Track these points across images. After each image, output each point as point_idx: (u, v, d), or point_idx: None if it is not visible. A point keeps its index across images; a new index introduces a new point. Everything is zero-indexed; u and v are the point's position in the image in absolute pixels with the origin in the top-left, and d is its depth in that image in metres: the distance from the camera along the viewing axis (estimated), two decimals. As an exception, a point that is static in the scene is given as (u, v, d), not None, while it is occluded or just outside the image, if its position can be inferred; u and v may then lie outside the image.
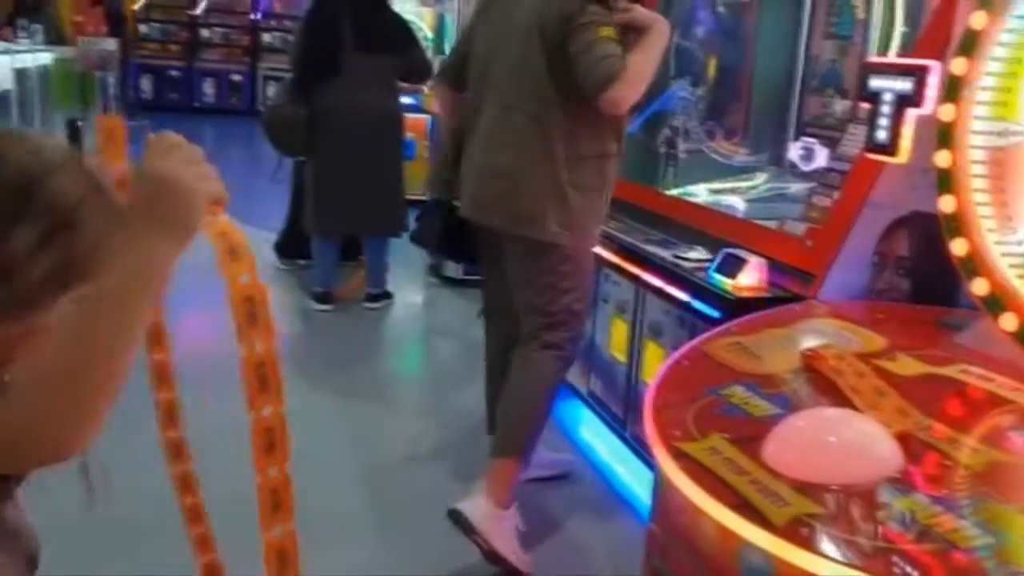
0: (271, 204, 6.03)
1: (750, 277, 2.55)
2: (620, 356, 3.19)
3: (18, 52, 7.90)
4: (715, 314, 2.56)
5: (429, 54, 5.88)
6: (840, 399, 1.66)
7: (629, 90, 2.48)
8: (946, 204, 2.02)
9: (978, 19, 1.97)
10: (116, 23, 11.91)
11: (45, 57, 8.72)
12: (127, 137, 1.24)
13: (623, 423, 3.17)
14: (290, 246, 5.68)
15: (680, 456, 1.49)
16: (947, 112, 2.02)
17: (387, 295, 5.22)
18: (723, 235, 2.85)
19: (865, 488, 1.37)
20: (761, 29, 3.70)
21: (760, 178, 3.48)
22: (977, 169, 2.00)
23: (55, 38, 9.86)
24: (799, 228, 2.60)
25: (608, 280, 3.26)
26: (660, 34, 2.59)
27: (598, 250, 2.96)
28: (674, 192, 3.42)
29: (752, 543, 1.30)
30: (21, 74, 7.73)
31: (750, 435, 1.52)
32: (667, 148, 3.54)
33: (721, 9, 3.85)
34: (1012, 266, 1.92)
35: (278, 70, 13.42)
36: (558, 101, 2.58)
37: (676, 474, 1.46)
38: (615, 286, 3.22)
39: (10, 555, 1.01)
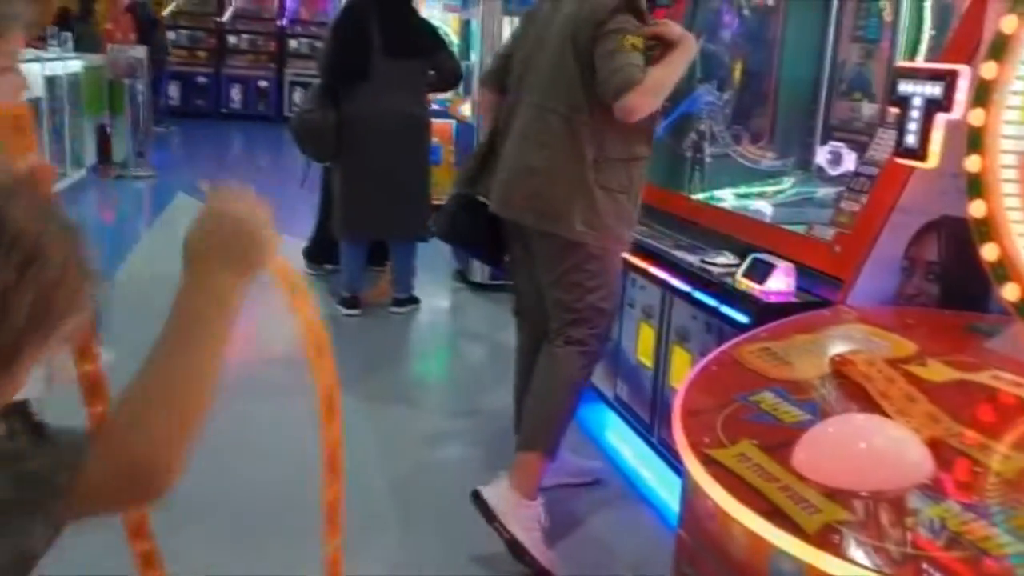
0: (300, 210, 6.07)
1: (778, 282, 2.54)
2: (647, 361, 3.19)
3: (48, 60, 7.98)
4: (743, 319, 2.55)
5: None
6: (870, 405, 1.66)
7: (644, 100, 2.54)
8: (976, 209, 2.01)
9: (1008, 23, 1.96)
10: (149, 30, 12.03)
11: (75, 65, 8.81)
12: (34, 127, 1.14)
13: (650, 428, 3.17)
14: (318, 251, 5.72)
15: (710, 463, 1.49)
16: (977, 117, 2.01)
17: (414, 300, 5.25)
18: (751, 240, 2.84)
19: (895, 495, 1.37)
20: (787, 32, 3.69)
21: (787, 182, 3.47)
22: (1008, 174, 1.99)
23: (92, 47, 9.96)
24: (827, 233, 2.59)
25: (635, 285, 3.26)
26: (686, 51, 2.67)
27: (625, 255, 2.96)
28: (701, 197, 3.42)
29: (783, 550, 1.30)
30: (51, 82, 7.81)
31: (780, 441, 1.52)
32: (693, 152, 3.53)
33: (747, 12, 3.84)
34: (1044, 271, 1.91)
35: (305, 76, 13.53)
36: (589, 104, 2.63)
37: (706, 480, 1.46)
38: (642, 291, 3.22)
39: None
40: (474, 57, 5.98)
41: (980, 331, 2.10)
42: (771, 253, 2.65)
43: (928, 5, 2.84)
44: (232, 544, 2.76)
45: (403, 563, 2.78)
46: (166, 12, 14.30)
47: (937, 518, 1.31)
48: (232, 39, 15.11)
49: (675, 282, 2.97)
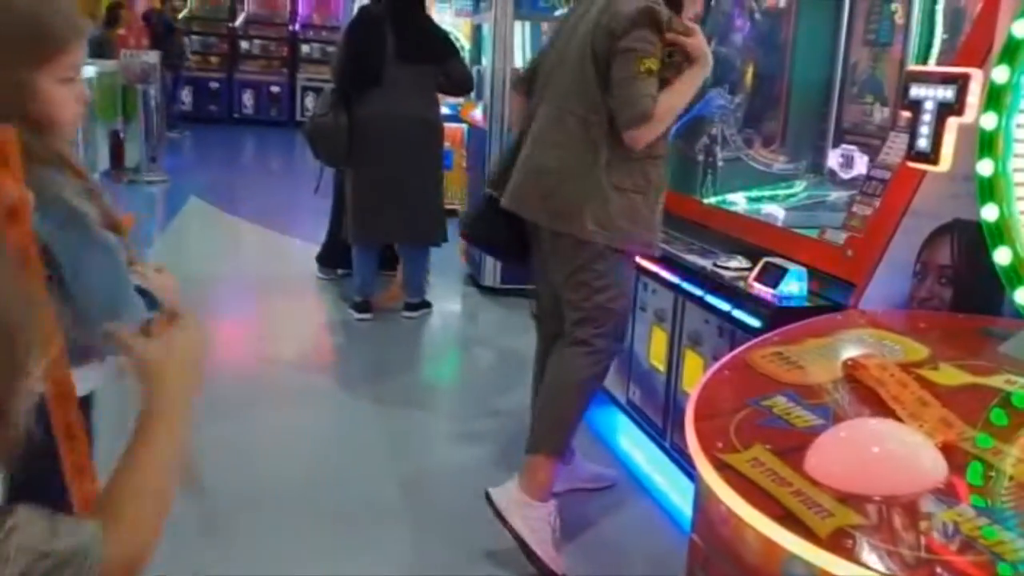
0: (313, 215, 6.10)
1: (791, 286, 2.55)
2: (659, 365, 3.19)
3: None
4: (756, 323, 2.55)
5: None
6: (883, 409, 1.66)
7: (652, 132, 2.63)
8: (989, 213, 2.00)
9: (1020, 26, 1.96)
10: (165, 36, 12.11)
11: (88, 71, 8.85)
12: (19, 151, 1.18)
13: (662, 432, 3.17)
14: (330, 256, 5.74)
15: (722, 467, 1.49)
16: (989, 120, 2.01)
17: (426, 304, 5.26)
18: (763, 244, 2.84)
19: (908, 499, 1.37)
20: (799, 36, 3.69)
21: (799, 186, 3.47)
22: (1020, 177, 1.98)
23: (112, 53, 10.01)
24: (840, 237, 2.59)
25: (647, 289, 3.27)
26: (699, 74, 2.72)
27: (637, 259, 2.97)
28: (713, 200, 3.42)
29: (795, 554, 1.30)
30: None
31: (792, 446, 1.52)
32: (705, 156, 3.53)
33: (758, 16, 3.84)
34: (1057, 275, 1.91)
35: (317, 81, 13.58)
36: (605, 107, 2.66)
37: (719, 485, 1.46)
38: (654, 295, 3.23)
39: None
40: (485, 62, 5.99)
41: (993, 335, 2.10)
42: (783, 257, 2.65)
43: (940, 8, 2.84)
44: (242, 542, 2.78)
45: (415, 563, 2.79)
46: (179, 17, 14.36)
47: (950, 522, 1.31)
48: (244, 44, 15.18)
49: (687, 286, 2.98)
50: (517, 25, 5.77)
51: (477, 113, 6.16)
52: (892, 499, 1.37)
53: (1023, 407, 1.71)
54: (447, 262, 6.00)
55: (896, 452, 1.49)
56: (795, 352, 1.99)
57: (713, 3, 3.82)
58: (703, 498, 1.60)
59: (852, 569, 1.23)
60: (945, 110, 2.22)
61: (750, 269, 2.73)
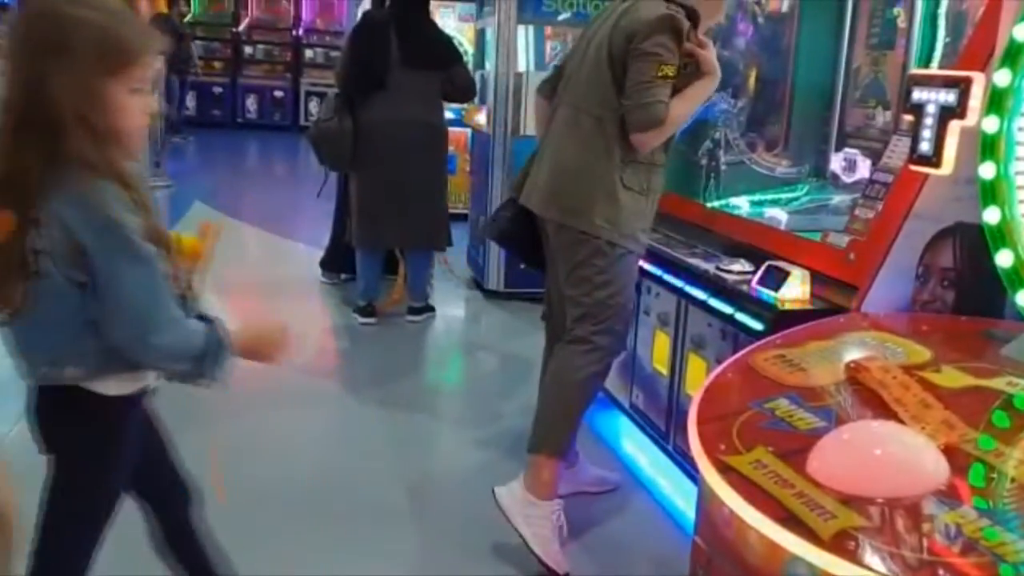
0: (318, 220, 6.10)
1: (793, 289, 2.55)
2: (662, 369, 3.19)
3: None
4: (758, 326, 2.56)
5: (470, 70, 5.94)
6: (885, 411, 1.66)
7: (659, 137, 2.69)
8: (990, 215, 2.01)
9: (1022, 30, 1.97)
10: (174, 42, 12.13)
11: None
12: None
13: (666, 435, 3.17)
14: (333, 260, 5.75)
15: (725, 469, 1.50)
16: (991, 123, 2.01)
17: (429, 308, 5.26)
18: (766, 247, 2.85)
19: (911, 501, 1.37)
20: (801, 40, 3.69)
21: (802, 190, 3.47)
22: (1022, 180, 1.99)
23: None
24: (842, 240, 2.59)
25: (650, 292, 3.27)
26: (709, 86, 2.79)
27: (640, 263, 2.98)
28: (716, 204, 3.42)
29: (798, 556, 1.30)
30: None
31: (795, 448, 1.52)
32: (708, 160, 3.53)
33: (761, 20, 3.85)
34: (1059, 277, 1.92)
35: (320, 85, 13.60)
36: (619, 107, 2.69)
37: (721, 487, 1.47)
38: (657, 298, 3.23)
39: None
40: (489, 66, 6.00)
41: (995, 337, 2.10)
42: (786, 260, 2.66)
43: (942, 13, 2.85)
44: (249, 543, 2.79)
45: (422, 564, 2.80)
46: (184, 22, 14.39)
47: (952, 524, 1.32)
48: (248, 49, 15.20)
49: (690, 289, 2.98)
50: (520, 29, 5.77)
51: (481, 117, 6.18)
52: (894, 501, 1.37)
53: (1025, 409, 1.72)
54: (452, 266, 6.02)
55: (898, 454, 1.49)
56: (797, 355, 1.99)
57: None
58: (706, 500, 1.60)
59: (854, 571, 1.24)
60: (947, 113, 2.23)
61: (753, 272, 2.74)
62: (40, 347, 1.62)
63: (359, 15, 6.05)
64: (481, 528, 2.85)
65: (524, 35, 5.92)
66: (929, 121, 2.27)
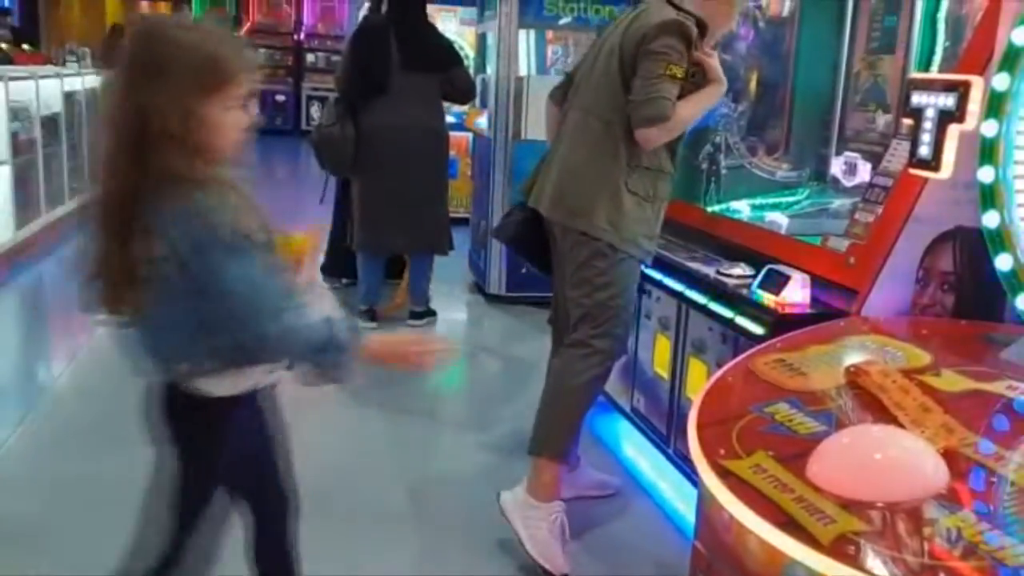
0: (319, 225, 6.08)
1: (794, 293, 2.55)
2: (663, 372, 3.19)
3: (67, 76, 8.06)
4: (759, 330, 2.56)
5: (470, 72, 5.94)
6: (885, 416, 1.67)
7: (663, 135, 2.69)
8: (990, 219, 2.01)
9: (1020, 34, 1.97)
10: None
11: (93, 80, 8.88)
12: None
13: (666, 439, 3.17)
14: (334, 265, 5.75)
15: (725, 474, 1.50)
16: (990, 127, 2.02)
17: (431, 312, 5.27)
18: (766, 251, 2.85)
19: (911, 505, 1.38)
20: (802, 44, 3.70)
21: (802, 193, 3.48)
22: (1021, 184, 1.99)
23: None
24: (842, 244, 2.59)
25: (651, 296, 3.27)
26: (715, 94, 2.82)
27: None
28: (716, 208, 3.43)
29: (798, 561, 1.30)
30: (69, 97, 7.88)
31: (795, 452, 1.52)
32: (709, 164, 3.54)
33: (762, 25, 3.85)
34: (1058, 281, 1.92)
35: (322, 90, 13.61)
36: (628, 112, 2.69)
37: (721, 492, 1.47)
38: (658, 302, 3.23)
39: None
40: (490, 70, 6.01)
41: (995, 341, 2.11)
42: (786, 264, 2.66)
43: (942, 17, 2.85)
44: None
45: (426, 565, 2.80)
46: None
47: (953, 528, 1.32)
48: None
49: (691, 293, 2.99)
50: (522, 33, 5.78)
51: (482, 122, 6.18)
52: (894, 505, 1.37)
53: (1025, 413, 1.72)
54: (452, 270, 6.01)
55: (898, 458, 1.49)
56: (798, 359, 1.99)
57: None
58: (706, 505, 1.60)
59: (854, 575, 1.24)
60: (946, 117, 2.23)
61: (753, 276, 2.74)
62: (158, 347, 1.71)
63: (359, 19, 6.05)
64: (483, 530, 2.86)
65: (525, 39, 5.92)
66: (928, 125, 2.27)
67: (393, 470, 3.40)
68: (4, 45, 10.21)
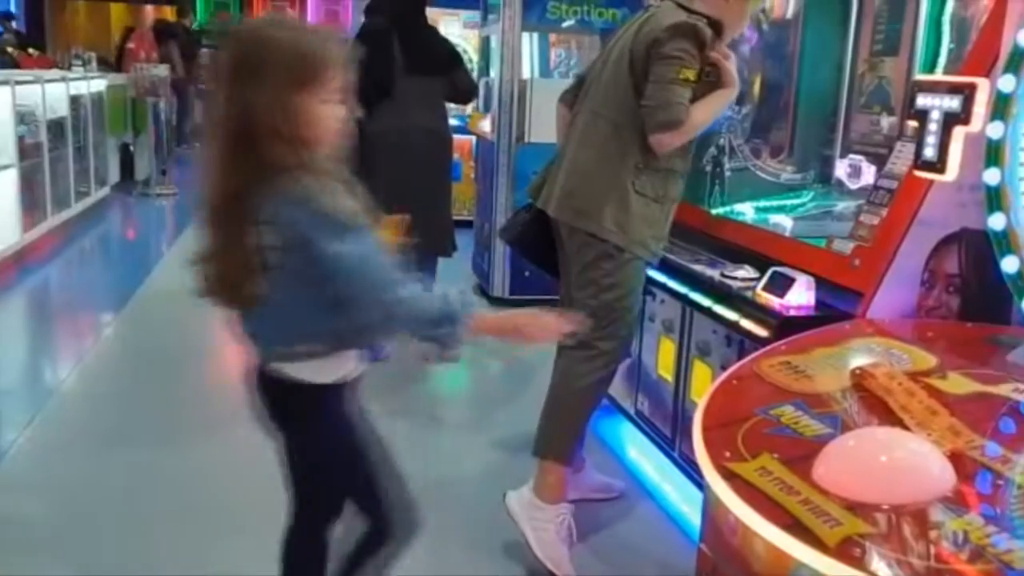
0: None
1: (798, 296, 2.55)
2: (667, 375, 3.19)
3: (73, 80, 8.09)
4: (763, 333, 2.55)
5: (474, 76, 5.95)
6: (891, 418, 1.66)
7: (677, 139, 2.69)
8: (996, 221, 2.01)
9: (1026, 36, 1.97)
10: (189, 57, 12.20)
11: (99, 84, 8.91)
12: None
13: (671, 442, 3.17)
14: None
15: (730, 476, 1.50)
16: (996, 129, 2.01)
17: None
18: (770, 253, 2.84)
19: (917, 508, 1.37)
20: (806, 46, 3.70)
21: (807, 196, 3.47)
22: (1027, 186, 1.99)
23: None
24: (847, 246, 2.59)
25: (655, 299, 3.27)
26: (728, 96, 2.80)
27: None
28: (720, 211, 3.42)
29: (804, 563, 1.30)
30: (75, 100, 7.90)
31: (800, 455, 1.52)
32: (713, 166, 3.53)
33: (765, 27, 3.85)
34: (1065, 283, 1.91)
35: (325, 93, 13.59)
36: (638, 114, 2.70)
37: (727, 494, 1.47)
38: (662, 305, 3.23)
39: None
40: (494, 73, 6.01)
41: (1001, 343, 2.10)
42: (791, 267, 2.66)
43: (947, 19, 2.84)
44: (262, 544, 2.80)
45: (431, 566, 2.80)
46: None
47: (959, 531, 1.31)
48: (254, 57, 15.21)
49: (695, 296, 2.98)
50: (525, 36, 5.78)
51: (486, 124, 6.18)
52: (901, 508, 1.37)
53: (1031, 416, 1.71)
54: (456, 273, 6.00)
55: (904, 461, 1.49)
56: (803, 361, 1.99)
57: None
58: (711, 507, 1.60)
59: (861, 578, 1.24)
60: (952, 119, 2.23)
61: (758, 279, 2.73)
62: (273, 332, 1.82)
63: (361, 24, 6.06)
64: (488, 532, 2.87)
65: (528, 42, 5.93)
66: (934, 127, 2.27)
67: (397, 472, 3.41)
68: (10, 49, 10.25)
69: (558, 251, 2.96)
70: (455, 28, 8.24)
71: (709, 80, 2.72)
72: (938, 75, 2.62)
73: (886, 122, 3.32)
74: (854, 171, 3.26)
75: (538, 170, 3.10)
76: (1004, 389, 1.81)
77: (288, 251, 1.70)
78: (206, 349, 4.83)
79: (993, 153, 2.01)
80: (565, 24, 5.77)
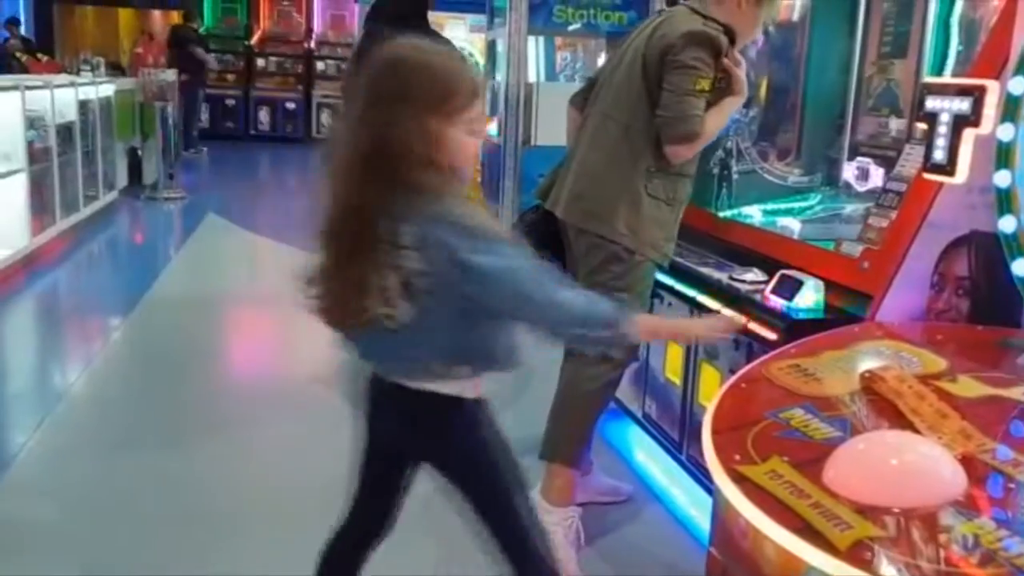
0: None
1: (807, 299, 2.54)
2: (675, 379, 3.18)
3: (82, 84, 8.12)
4: (772, 336, 2.55)
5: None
6: (901, 421, 1.65)
7: (692, 150, 2.73)
8: (1006, 224, 2.00)
9: (1036, 38, 1.96)
10: (200, 62, 12.25)
11: (107, 89, 8.94)
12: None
13: (679, 446, 3.16)
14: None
15: (740, 480, 1.49)
16: (1006, 131, 2.01)
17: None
18: (779, 256, 2.84)
19: (928, 511, 1.37)
20: (813, 49, 3.69)
21: (815, 199, 3.46)
22: (1037, 188, 1.98)
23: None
24: (856, 249, 2.58)
25: (663, 302, 3.26)
26: (737, 103, 2.82)
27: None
28: (728, 213, 3.42)
29: (815, 567, 1.30)
30: (84, 105, 7.93)
31: (810, 458, 1.52)
32: (720, 169, 3.52)
33: (772, 29, 3.84)
34: (1075, 286, 1.90)
35: (332, 97, 13.65)
36: (649, 117, 2.71)
37: (737, 498, 1.46)
38: (669, 308, 3.22)
39: None
40: (499, 77, 6.01)
41: (1012, 346, 2.09)
42: (799, 270, 2.65)
43: (955, 21, 2.84)
44: (263, 547, 2.80)
45: (431, 567, 2.80)
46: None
47: (970, 535, 1.31)
48: (260, 62, 15.29)
49: (703, 299, 2.97)
50: (531, 40, 5.79)
51: (492, 128, 6.18)
52: (911, 511, 1.36)
53: (1043, 419, 1.70)
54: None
55: (915, 464, 1.48)
56: (812, 364, 1.98)
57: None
58: (721, 511, 1.59)
59: (872, 582, 1.23)
60: (961, 121, 2.22)
61: (766, 282, 2.73)
62: (415, 353, 1.80)
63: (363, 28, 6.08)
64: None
65: (535, 46, 5.94)
66: (943, 129, 2.26)
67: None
68: (19, 54, 10.30)
69: (565, 253, 2.96)
70: (461, 32, 8.26)
71: (720, 87, 2.73)
72: (947, 77, 2.61)
73: (894, 124, 3.31)
74: (862, 174, 3.25)
75: (544, 173, 3.10)
76: (1015, 392, 1.80)
77: (438, 274, 1.68)
78: (213, 353, 4.83)
79: (1004, 155, 2.00)
80: (571, 28, 5.77)
